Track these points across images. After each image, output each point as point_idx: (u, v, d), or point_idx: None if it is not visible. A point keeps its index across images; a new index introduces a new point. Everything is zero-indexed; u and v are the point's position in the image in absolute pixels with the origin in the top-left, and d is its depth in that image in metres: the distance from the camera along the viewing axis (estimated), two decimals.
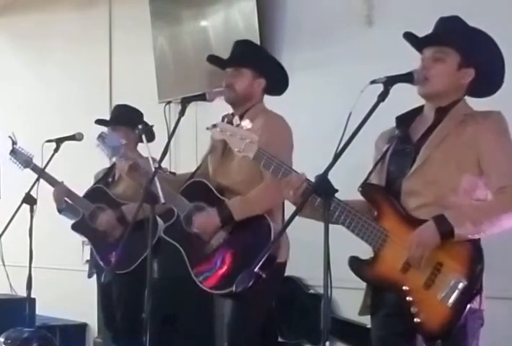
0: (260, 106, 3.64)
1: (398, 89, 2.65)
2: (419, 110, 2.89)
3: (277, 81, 3.67)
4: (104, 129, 4.61)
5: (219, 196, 3.52)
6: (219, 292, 3.44)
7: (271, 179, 3.32)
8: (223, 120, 3.48)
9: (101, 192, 4.58)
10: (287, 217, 3.49)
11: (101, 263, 4.43)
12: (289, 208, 2.95)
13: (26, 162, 4.69)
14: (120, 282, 4.24)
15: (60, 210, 4.64)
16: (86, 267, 4.75)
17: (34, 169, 4.63)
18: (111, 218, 4.39)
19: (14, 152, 4.74)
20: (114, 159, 4.17)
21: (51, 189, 4.61)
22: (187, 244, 3.54)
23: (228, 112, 3.62)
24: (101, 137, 3.89)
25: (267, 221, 3.39)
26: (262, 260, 2.49)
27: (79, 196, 4.57)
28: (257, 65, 3.61)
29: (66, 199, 4.57)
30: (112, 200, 4.49)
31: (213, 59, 3.72)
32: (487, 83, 2.82)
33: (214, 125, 3.03)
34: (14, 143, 4.74)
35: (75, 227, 4.63)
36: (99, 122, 4.67)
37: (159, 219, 4.13)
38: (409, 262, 2.63)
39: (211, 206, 3.50)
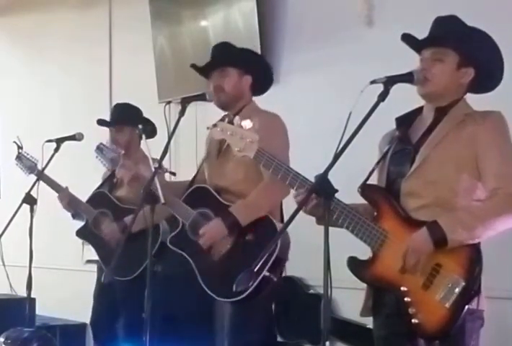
0: (252, 106, 3.59)
1: (398, 89, 2.65)
2: (419, 111, 2.90)
3: (263, 76, 3.62)
4: (105, 129, 4.61)
5: (222, 201, 3.47)
6: (232, 299, 3.31)
7: (270, 177, 3.31)
8: (223, 120, 3.45)
9: (104, 196, 4.56)
10: (285, 212, 3.52)
11: (104, 269, 4.40)
12: (290, 207, 2.94)
13: (31, 168, 4.64)
14: (123, 286, 4.23)
15: (73, 216, 4.64)
16: (86, 267, 4.73)
17: (39, 175, 4.55)
18: (115, 230, 4.33)
19: (19, 158, 4.68)
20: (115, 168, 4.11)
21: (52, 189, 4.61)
22: (194, 252, 3.46)
23: (228, 112, 3.61)
24: (99, 148, 3.86)
25: (270, 221, 3.34)
26: (262, 260, 2.49)
27: (82, 202, 4.55)
28: (241, 61, 3.55)
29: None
30: (115, 205, 4.47)
31: (196, 66, 3.64)
32: (486, 81, 2.82)
33: (215, 125, 3.03)
34: (19, 147, 4.67)
35: (79, 233, 4.63)
36: (101, 122, 4.63)
37: (164, 222, 4.12)
38: (405, 268, 2.63)
39: (214, 212, 3.45)
